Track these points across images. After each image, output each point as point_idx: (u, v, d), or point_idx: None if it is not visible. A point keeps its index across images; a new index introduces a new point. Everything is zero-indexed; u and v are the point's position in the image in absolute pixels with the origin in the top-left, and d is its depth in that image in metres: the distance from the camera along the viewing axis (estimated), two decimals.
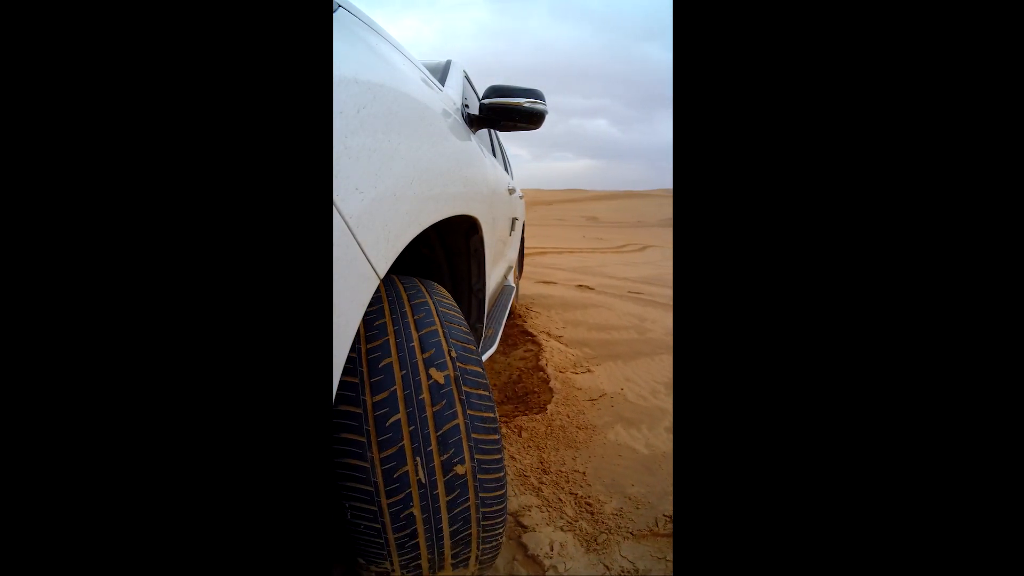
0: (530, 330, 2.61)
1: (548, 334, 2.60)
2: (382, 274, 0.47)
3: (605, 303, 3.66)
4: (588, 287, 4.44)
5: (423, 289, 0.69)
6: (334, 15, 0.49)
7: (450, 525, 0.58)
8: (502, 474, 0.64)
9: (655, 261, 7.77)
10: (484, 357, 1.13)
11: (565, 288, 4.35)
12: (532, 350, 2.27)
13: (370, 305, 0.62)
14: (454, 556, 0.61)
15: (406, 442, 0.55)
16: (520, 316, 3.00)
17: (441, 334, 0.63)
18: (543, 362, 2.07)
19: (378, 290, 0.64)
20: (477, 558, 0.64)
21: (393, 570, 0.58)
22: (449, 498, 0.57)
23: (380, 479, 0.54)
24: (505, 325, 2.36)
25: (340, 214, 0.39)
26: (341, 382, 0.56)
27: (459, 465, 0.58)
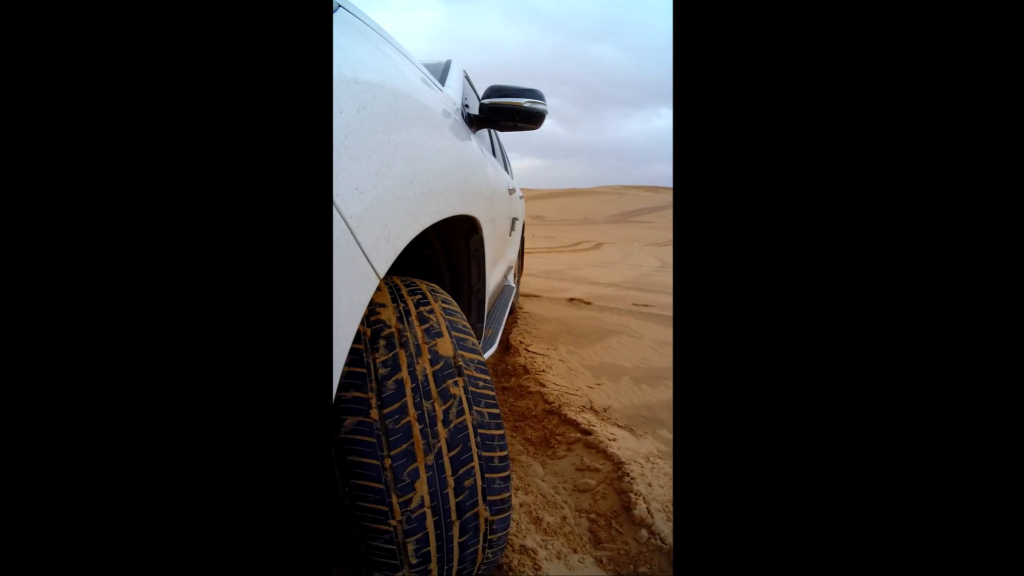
0: (562, 410, 1.53)
1: (592, 410, 1.59)
2: (382, 274, 0.47)
3: (621, 326, 2.82)
4: (582, 301, 3.63)
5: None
6: (334, 15, 0.49)
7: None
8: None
9: (619, 260, 7.32)
10: (485, 356, 1.14)
11: (554, 303, 3.53)
12: (596, 468, 1.23)
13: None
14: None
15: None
16: (525, 366, 1.94)
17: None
18: (637, 506, 1.07)
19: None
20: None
21: None
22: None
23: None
24: (512, 389, 1.70)
25: (340, 214, 0.39)
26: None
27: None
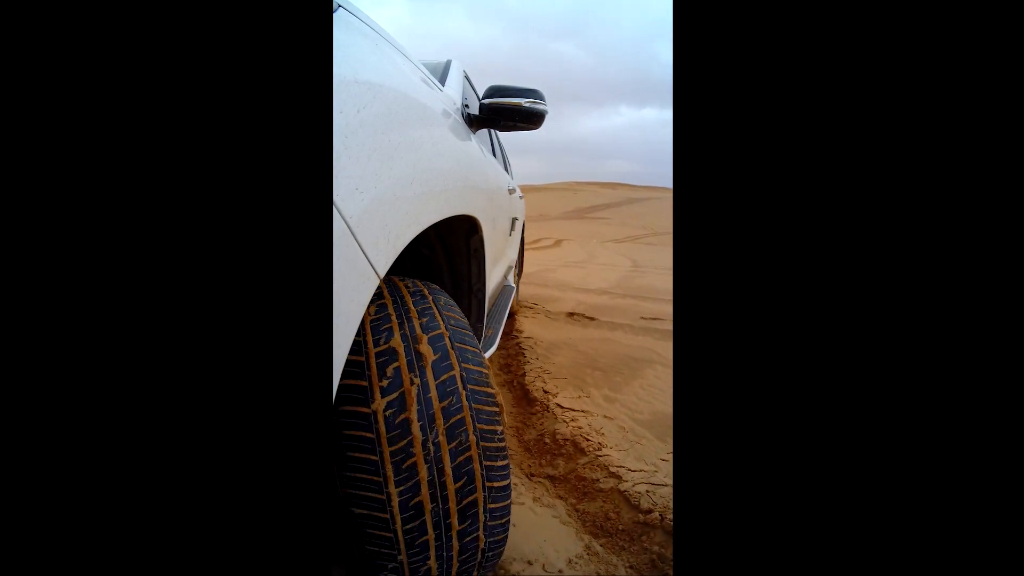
0: (666, 521, 1.07)
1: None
2: (382, 274, 0.47)
3: (646, 351, 2.36)
4: (584, 316, 3.15)
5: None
6: (334, 15, 0.49)
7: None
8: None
9: (586, 259, 7.29)
10: (485, 356, 1.13)
11: (553, 321, 3.01)
12: None
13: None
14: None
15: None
16: (574, 441, 1.38)
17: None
18: None
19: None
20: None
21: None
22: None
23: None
24: (567, 481, 1.20)
25: (340, 214, 0.39)
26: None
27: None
